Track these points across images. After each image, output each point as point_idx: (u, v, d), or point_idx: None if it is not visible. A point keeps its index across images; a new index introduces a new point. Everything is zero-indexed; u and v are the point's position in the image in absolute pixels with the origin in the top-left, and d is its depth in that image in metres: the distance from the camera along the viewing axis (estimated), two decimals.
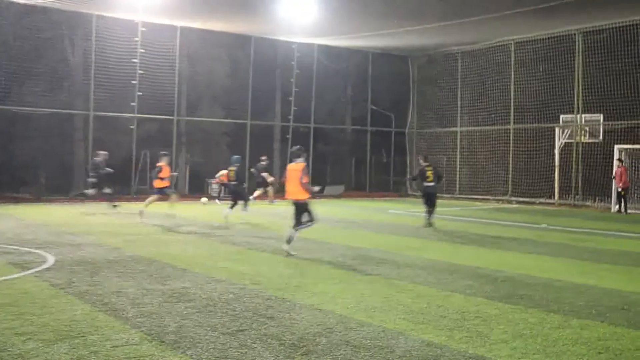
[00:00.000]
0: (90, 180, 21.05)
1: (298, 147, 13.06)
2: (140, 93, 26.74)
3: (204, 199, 24.22)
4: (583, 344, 6.42)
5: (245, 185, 19.01)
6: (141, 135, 27.58)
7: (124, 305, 7.73)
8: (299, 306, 7.88)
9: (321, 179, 32.32)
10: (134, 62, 26.58)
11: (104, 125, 26.92)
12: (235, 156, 19.49)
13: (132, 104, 26.66)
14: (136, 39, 26.53)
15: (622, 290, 9.20)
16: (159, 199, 19.23)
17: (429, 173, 17.95)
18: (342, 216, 21.28)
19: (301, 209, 12.37)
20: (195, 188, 28.89)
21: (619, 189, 23.70)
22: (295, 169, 12.46)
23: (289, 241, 12.18)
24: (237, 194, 18.93)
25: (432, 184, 17.74)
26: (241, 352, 5.99)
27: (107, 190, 20.35)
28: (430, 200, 17.70)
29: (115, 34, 26.28)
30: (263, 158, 26.28)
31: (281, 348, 6.14)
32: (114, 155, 22.82)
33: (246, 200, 19.24)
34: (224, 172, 21.51)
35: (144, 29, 26.61)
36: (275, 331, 6.72)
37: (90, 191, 20.91)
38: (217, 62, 30.28)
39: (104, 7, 24.85)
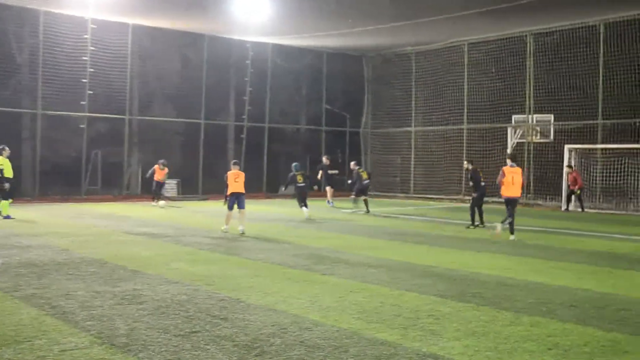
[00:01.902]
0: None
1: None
2: (91, 92, 26.24)
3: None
4: (533, 341, 6.51)
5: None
6: (92, 135, 27.05)
7: (73, 309, 7.55)
8: (253, 307, 7.81)
9: (275, 178, 32.25)
10: (84, 60, 26.05)
11: (52, 124, 26.32)
12: (296, 163, 21.26)
13: (82, 102, 26.12)
14: (86, 36, 26.00)
15: (571, 287, 9.38)
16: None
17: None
18: (295, 216, 21.23)
19: None
20: (148, 188, 28.48)
21: (576, 191, 24.20)
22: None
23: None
24: (304, 195, 20.52)
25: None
26: (194, 354, 5.90)
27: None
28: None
29: (64, 31, 25.67)
30: (324, 158, 27.45)
31: (235, 349, 6.08)
32: (63, 155, 22.31)
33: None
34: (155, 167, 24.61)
35: (94, 26, 26.10)
36: (228, 332, 6.65)
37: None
38: (169, 61, 29.91)
39: (52, 3, 24.30)
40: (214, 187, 29.94)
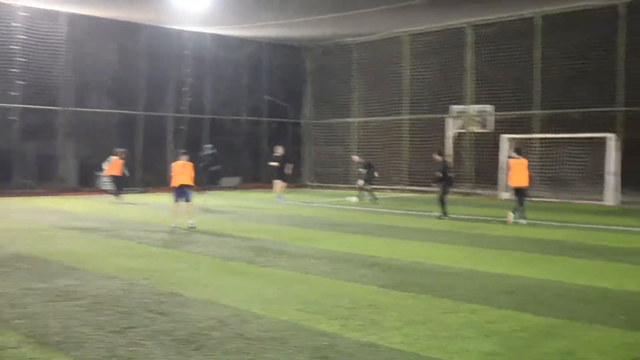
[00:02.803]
0: None
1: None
2: (22, 82, 25.33)
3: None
4: (472, 328, 6.58)
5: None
6: (23, 127, 26.14)
7: (2, 307, 7.26)
8: (192, 301, 7.67)
9: (217, 170, 31.87)
10: (14, 49, 25.12)
11: None
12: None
13: (13, 93, 25.21)
14: (15, 24, 25.07)
15: (509, 274, 9.54)
16: None
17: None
18: (237, 208, 21.06)
19: None
20: (84, 181, 27.78)
21: None
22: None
23: None
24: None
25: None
26: (130, 350, 5.75)
27: None
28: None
29: None
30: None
31: (173, 344, 5.95)
32: None
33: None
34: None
35: (25, 13, 25.19)
36: (166, 327, 6.50)
37: None
38: (106, 51, 29.10)
39: None
40: (153, 180, 29.43)
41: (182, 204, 15.44)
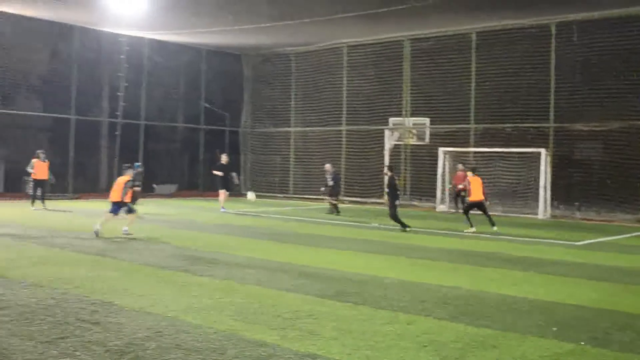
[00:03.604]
0: None
1: None
2: None
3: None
4: (409, 339, 6.64)
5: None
6: None
7: None
8: (127, 310, 7.49)
9: (152, 178, 31.35)
10: None
11: None
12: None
13: None
14: None
15: (445, 285, 9.68)
16: None
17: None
18: (172, 216, 20.74)
19: None
20: (11, 187, 26.84)
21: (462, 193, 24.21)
22: None
23: None
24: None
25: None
26: None
27: None
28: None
29: None
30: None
31: (107, 355, 5.79)
32: None
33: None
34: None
35: None
36: (100, 337, 6.33)
37: None
38: (35, 52, 28.20)
39: None
40: (85, 186, 28.70)
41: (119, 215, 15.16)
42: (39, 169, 21.71)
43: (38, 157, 21.83)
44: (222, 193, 23.24)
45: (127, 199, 15.01)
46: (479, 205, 17.97)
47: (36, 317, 7.04)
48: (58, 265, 10.50)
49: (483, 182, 18.37)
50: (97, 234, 14.42)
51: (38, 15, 25.95)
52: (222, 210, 22.72)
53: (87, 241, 13.76)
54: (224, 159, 23.82)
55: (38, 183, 21.83)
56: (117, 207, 14.98)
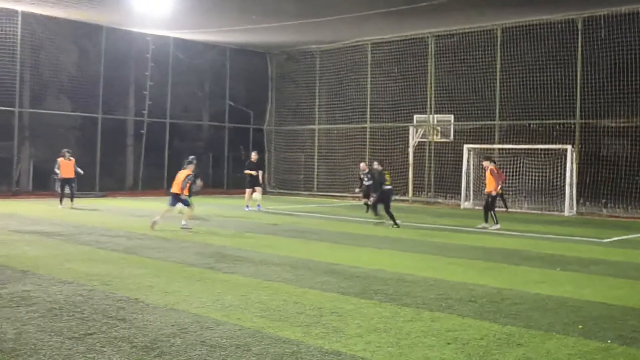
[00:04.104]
0: None
1: None
2: None
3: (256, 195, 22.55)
4: (433, 336, 6.62)
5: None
6: None
7: None
8: (152, 307, 7.57)
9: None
10: None
11: None
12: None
13: None
14: None
15: (469, 282, 9.64)
16: None
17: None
18: (198, 214, 20.87)
19: None
20: (40, 185, 27.23)
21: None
22: None
23: None
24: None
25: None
26: (89, 357, 5.64)
27: None
28: None
29: None
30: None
31: (133, 351, 5.85)
32: None
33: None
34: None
35: None
36: (126, 333, 6.40)
37: None
38: (65, 52, 28.63)
39: None
40: (111, 184, 29.02)
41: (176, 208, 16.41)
42: (64, 167, 21.87)
43: (63, 156, 22.03)
44: (249, 192, 22.78)
45: (186, 193, 16.01)
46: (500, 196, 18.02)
47: (64, 314, 7.14)
48: (85, 262, 10.64)
49: (507, 177, 18.34)
50: (155, 224, 15.48)
51: (67, 16, 26.31)
52: (247, 209, 22.50)
53: (115, 238, 13.92)
54: (253, 156, 23.40)
55: (65, 181, 21.99)
56: (175, 199, 16.13)
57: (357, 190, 23.70)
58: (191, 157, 17.07)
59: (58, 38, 27.76)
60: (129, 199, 27.10)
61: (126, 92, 30.96)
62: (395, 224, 17.52)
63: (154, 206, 23.33)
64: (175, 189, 16.12)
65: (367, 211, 21.21)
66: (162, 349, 5.94)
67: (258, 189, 22.73)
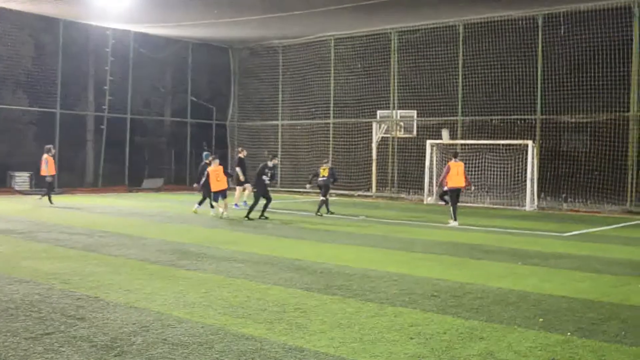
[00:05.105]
0: None
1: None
2: None
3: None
4: (396, 331, 6.63)
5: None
6: None
7: None
8: (113, 305, 7.44)
9: (139, 171, 31.22)
10: None
11: None
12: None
13: None
14: None
15: (433, 277, 9.69)
16: None
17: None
18: (159, 210, 20.65)
19: None
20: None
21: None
22: None
23: None
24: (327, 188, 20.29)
25: None
26: (46, 358, 5.53)
27: None
28: None
29: None
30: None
31: (92, 350, 5.74)
32: None
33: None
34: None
35: None
36: (86, 332, 6.28)
37: None
38: (21, 45, 27.97)
39: None
40: (71, 180, 28.51)
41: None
42: (52, 165, 21.62)
43: (48, 152, 21.65)
44: (240, 189, 22.06)
45: (224, 186, 18.14)
46: (454, 191, 17.64)
47: (20, 313, 6.98)
48: (43, 260, 10.42)
49: (470, 172, 18.43)
50: (225, 217, 17.89)
51: (23, 8, 25.68)
52: (236, 206, 21.31)
53: (74, 236, 13.67)
54: (244, 152, 22.43)
55: (50, 178, 21.61)
56: (217, 194, 18.29)
57: (307, 186, 22.63)
58: (205, 153, 19.81)
59: (13, 31, 27.09)
60: (89, 195, 26.69)
61: (85, 87, 30.43)
62: (319, 213, 19.18)
63: (114, 202, 23.02)
64: (219, 186, 17.93)
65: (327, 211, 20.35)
66: (123, 347, 5.84)
67: (248, 186, 21.74)
